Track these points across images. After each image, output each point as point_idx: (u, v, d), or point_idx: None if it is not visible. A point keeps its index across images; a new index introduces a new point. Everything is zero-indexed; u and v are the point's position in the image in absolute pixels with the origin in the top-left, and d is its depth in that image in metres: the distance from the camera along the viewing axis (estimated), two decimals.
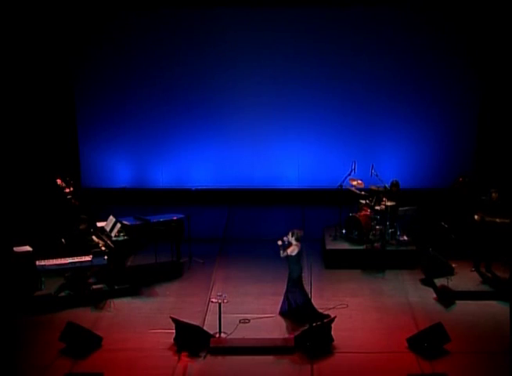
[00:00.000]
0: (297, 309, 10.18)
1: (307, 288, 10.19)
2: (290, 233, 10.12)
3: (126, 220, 11.89)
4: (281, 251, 10.11)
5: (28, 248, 10.99)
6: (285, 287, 10.30)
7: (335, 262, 12.33)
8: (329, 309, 10.49)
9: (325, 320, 9.86)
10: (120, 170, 15.42)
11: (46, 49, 14.43)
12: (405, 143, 15.09)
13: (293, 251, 10.09)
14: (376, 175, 12.76)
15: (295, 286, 10.19)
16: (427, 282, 11.58)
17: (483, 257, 11.55)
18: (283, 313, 10.38)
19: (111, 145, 15.34)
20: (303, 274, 10.32)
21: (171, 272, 11.99)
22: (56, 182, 12.68)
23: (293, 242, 10.11)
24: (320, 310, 10.31)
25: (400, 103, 14.97)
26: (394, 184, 12.78)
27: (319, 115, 15.06)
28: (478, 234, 11.41)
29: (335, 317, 9.89)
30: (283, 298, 10.37)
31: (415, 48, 14.71)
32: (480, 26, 14.29)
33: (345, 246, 12.57)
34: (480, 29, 14.31)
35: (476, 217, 11.42)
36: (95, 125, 15.26)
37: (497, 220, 11.31)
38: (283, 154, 15.29)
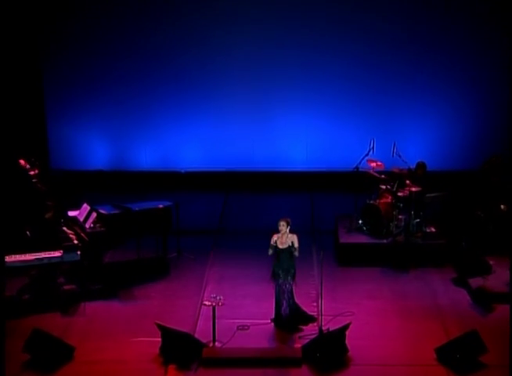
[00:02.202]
0: (291, 309, 10.21)
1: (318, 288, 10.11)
2: (285, 223, 10.09)
3: (103, 208, 11.89)
4: (278, 245, 10.11)
5: None
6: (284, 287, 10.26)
7: (350, 258, 12.35)
8: (336, 316, 10.42)
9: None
10: (95, 149, 15.41)
11: (10, 16, 14.43)
12: (433, 117, 15.07)
13: (294, 240, 10.12)
14: (399, 156, 12.71)
15: (288, 280, 10.20)
16: (460, 282, 11.56)
17: None
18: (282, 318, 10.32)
19: (85, 120, 15.33)
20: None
21: (156, 270, 12.02)
22: (19, 164, 12.61)
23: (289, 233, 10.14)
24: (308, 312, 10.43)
25: (427, 71, 14.94)
26: (420, 166, 12.76)
27: (330, 84, 15.03)
28: (507, 227, 11.31)
29: (349, 323, 9.86)
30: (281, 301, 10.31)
31: (446, 7, 14.62)
32: None
33: (362, 239, 12.59)
34: None
35: (502, 207, 11.29)
36: (65, 97, 15.26)
37: None
38: (289, 131, 15.31)
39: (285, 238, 10.11)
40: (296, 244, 10.12)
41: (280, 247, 10.11)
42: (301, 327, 10.18)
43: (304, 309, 10.45)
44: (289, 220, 10.18)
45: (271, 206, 14.56)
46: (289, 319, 10.20)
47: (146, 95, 15.26)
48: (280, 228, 10.12)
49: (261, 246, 10.53)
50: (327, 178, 15.14)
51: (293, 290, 10.31)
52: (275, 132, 15.31)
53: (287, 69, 15.01)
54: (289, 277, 10.16)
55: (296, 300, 10.36)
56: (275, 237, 10.14)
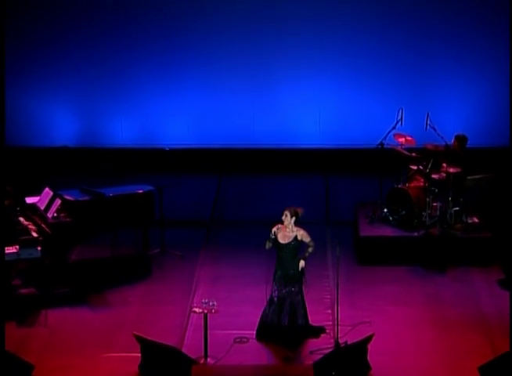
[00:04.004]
0: (293, 321, 10.16)
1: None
2: (288, 212, 10.07)
3: (69, 194, 11.92)
4: (279, 239, 10.10)
5: None
6: (274, 292, 10.28)
7: (372, 254, 12.43)
8: (355, 326, 10.42)
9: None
10: (59, 121, 15.50)
11: None
12: (475, 82, 15.14)
13: (303, 235, 10.11)
14: (434, 129, 12.69)
15: (294, 286, 10.19)
16: (508, 284, 11.53)
17: None
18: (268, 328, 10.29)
19: (47, 86, 15.39)
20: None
21: (135, 270, 12.09)
22: None
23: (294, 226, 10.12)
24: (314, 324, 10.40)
25: (468, 25, 15.00)
26: (460, 140, 12.79)
27: (348, 40, 15.12)
28: None
29: (372, 335, 9.82)
30: (268, 307, 10.32)
31: None
32: None
33: (387, 232, 12.65)
34: None
35: None
36: (23, 59, 15.26)
37: None
38: (297, 99, 15.36)
39: (288, 232, 10.06)
40: (307, 238, 10.04)
41: (281, 242, 10.06)
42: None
43: (310, 322, 10.36)
44: (298, 210, 10.11)
45: (275, 191, 14.63)
46: (287, 332, 10.12)
47: (122, 56, 15.36)
48: (282, 218, 10.08)
49: (262, 240, 10.54)
50: (345, 157, 15.24)
51: (304, 300, 10.23)
52: (280, 101, 15.38)
53: (294, 22, 15.06)
54: (289, 284, 10.09)
55: (307, 312, 10.28)
56: (275, 228, 10.09)
